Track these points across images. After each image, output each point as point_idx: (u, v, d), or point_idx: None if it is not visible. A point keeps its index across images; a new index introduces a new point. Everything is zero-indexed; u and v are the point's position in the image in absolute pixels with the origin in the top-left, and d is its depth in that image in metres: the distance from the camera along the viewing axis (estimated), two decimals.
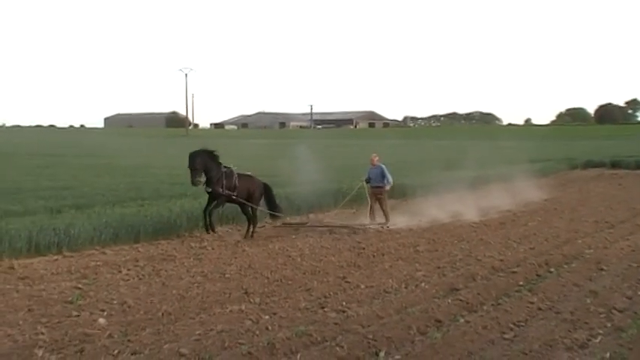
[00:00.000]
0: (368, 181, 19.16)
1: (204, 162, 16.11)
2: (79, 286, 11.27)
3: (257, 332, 8.73)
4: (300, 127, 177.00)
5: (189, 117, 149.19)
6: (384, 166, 19.02)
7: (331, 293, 10.98)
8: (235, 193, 16.62)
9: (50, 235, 14.13)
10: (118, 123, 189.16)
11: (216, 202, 16.38)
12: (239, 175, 16.92)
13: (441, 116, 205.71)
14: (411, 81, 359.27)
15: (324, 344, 8.24)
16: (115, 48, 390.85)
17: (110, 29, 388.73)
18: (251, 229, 17.10)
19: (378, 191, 18.87)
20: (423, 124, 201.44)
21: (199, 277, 12.19)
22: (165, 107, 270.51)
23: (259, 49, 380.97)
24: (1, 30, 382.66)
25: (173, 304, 10.22)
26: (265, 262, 13.57)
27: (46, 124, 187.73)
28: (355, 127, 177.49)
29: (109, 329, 8.86)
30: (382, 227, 18.26)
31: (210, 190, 16.25)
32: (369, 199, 19.01)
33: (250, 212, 17.26)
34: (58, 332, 8.68)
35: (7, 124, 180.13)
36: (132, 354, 7.87)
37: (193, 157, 15.99)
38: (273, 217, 18.28)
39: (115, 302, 10.27)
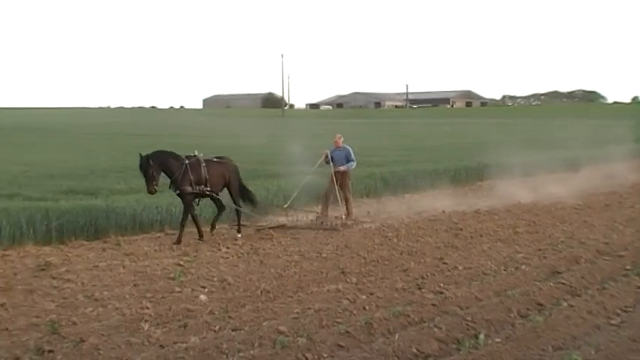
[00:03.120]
0: (328, 162, 16.39)
1: (160, 163, 13.53)
2: (181, 263, 11.62)
3: (354, 312, 8.75)
4: (396, 106, 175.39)
5: (286, 97, 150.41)
6: (350, 147, 16.64)
7: (428, 274, 10.90)
8: (209, 187, 14.02)
9: (153, 213, 14.61)
10: (215, 104, 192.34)
11: (185, 202, 13.87)
12: (207, 162, 14.19)
13: (542, 95, 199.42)
14: (510, 59, 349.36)
15: (421, 325, 8.17)
16: (214, 31, 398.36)
17: (208, 13, 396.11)
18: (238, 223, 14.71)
19: (341, 176, 16.27)
20: (522, 102, 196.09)
21: (296, 256, 12.34)
22: (261, 88, 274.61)
23: (355, 28, 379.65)
24: (107, 15, 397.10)
25: (271, 282, 10.38)
26: (362, 242, 13.59)
27: (147, 105, 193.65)
28: (452, 106, 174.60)
29: (210, 305, 9.08)
30: (344, 220, 15.77)
31: (177, 192, 13.79)
32: (329, 184, 16.35)
33: (233, 202, 14.75)
34: (162, 307, 8.96)
35: (112, 106, 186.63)
36: (232, 330, 8.03)
37: (145, 162, 13.37)
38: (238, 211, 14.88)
39: (215, 279, 10.53)
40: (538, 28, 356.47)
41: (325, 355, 7.20)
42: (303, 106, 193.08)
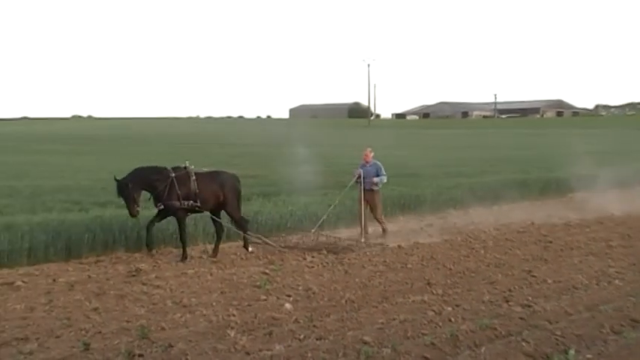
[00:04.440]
0: (359, 182, 15.47)
1: (140, 182, 12.65)
2: (267, 271, 11.75)
3: (440, 323, 8.65)
4: (484, 116, 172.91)
5: (372, 107, 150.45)
6: (380, 163, 15.53)
7: (516, 287, 10.66)
8: (199, 202, 12.93)
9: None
10: (302, 113, 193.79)
11: (177, 219, 12.97)
12: (198, 175, 13.14)
13: (638, 104, 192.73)
14: (604, 67, 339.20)
15: (509, 338, 8.01)
16: (301, 41, 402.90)
17: (295, 24, 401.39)
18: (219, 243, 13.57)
19: (370, 195, 15.36)
20: (616, 112, 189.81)
21: (381, 266, 12.29)
22: (347, 98, 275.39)
23: (442, 37, 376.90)
24: (195, 26, 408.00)
25: (356, 292, 10.37)
26: (447, 253, 13.43)
27: (235, 114, 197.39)
28: (542, 116, 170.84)
29: (295, 314, 9.13)
30: (365, 242, 14.52)
31: (162, 206, 12.75)
32: (359, 205, 15.47)
33: (232, 222, 13.83)
34: (248, 315, 9.08)
35: (201, 116, 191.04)
36: (317, 339, 8.05)
37: (124, 187, 12.47)
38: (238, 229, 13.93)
39: (300, 288, 10.59)
40: (634, 33, 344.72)
41: None
42: (389, 116, 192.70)
